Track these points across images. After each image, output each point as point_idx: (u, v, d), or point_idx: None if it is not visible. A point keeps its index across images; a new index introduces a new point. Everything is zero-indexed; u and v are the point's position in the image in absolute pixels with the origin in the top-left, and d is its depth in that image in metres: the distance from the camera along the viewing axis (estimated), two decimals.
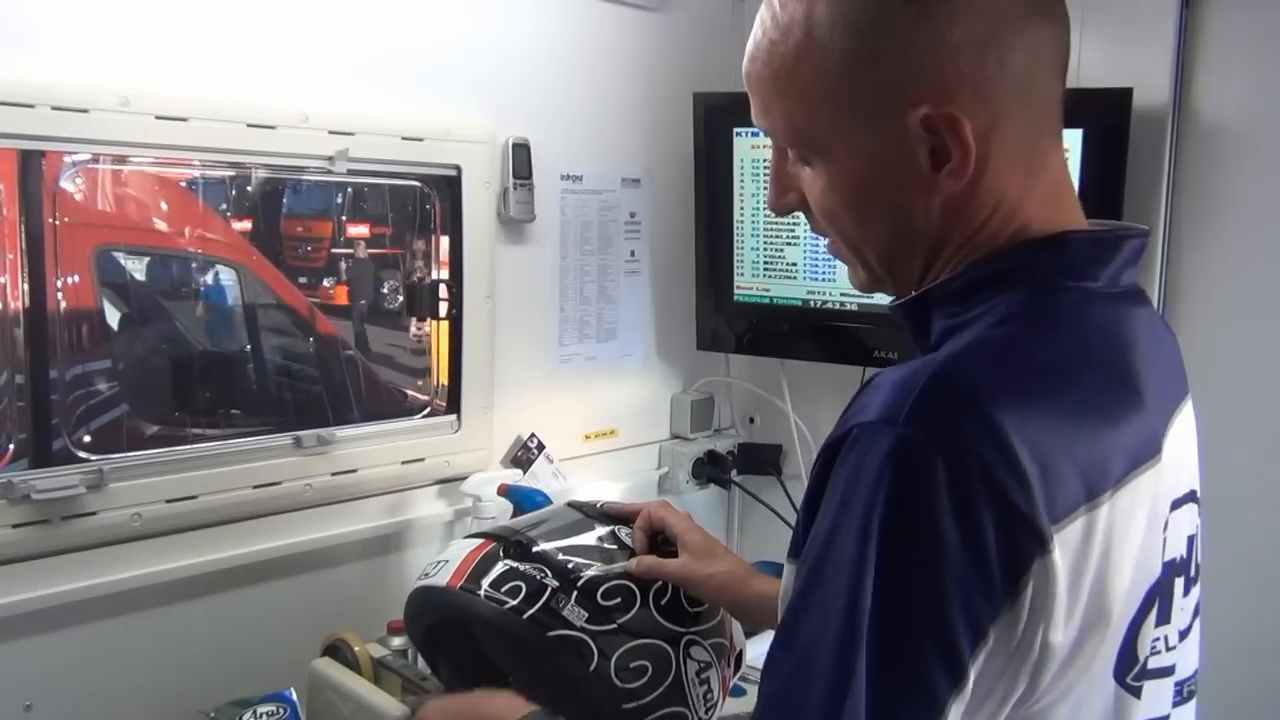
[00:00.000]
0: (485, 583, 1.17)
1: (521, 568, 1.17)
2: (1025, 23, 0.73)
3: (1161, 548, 0.76)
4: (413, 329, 2.08)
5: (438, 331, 1.87)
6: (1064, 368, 0.73)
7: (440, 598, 1.19)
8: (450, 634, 1.24)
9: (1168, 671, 0.80)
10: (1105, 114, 1.72)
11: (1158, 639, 0.79)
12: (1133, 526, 0.71)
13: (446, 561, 1.22)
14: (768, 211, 2.01)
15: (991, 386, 0.68)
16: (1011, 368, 0.71)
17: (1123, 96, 1.71)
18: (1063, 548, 0.66)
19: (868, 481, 0.66)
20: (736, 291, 2.11)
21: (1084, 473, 0.68)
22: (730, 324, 2.16)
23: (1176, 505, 0.79)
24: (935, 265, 0.80)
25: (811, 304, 2.03)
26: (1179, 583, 0.81)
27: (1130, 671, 0.74)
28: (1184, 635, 0.83)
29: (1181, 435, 0.81)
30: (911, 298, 0.81)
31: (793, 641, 0.69)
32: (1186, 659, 0.83)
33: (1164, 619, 0.79)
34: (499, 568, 1.18)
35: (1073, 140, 1.73)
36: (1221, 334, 1.76)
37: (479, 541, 1.23)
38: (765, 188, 1.99)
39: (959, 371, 0.70)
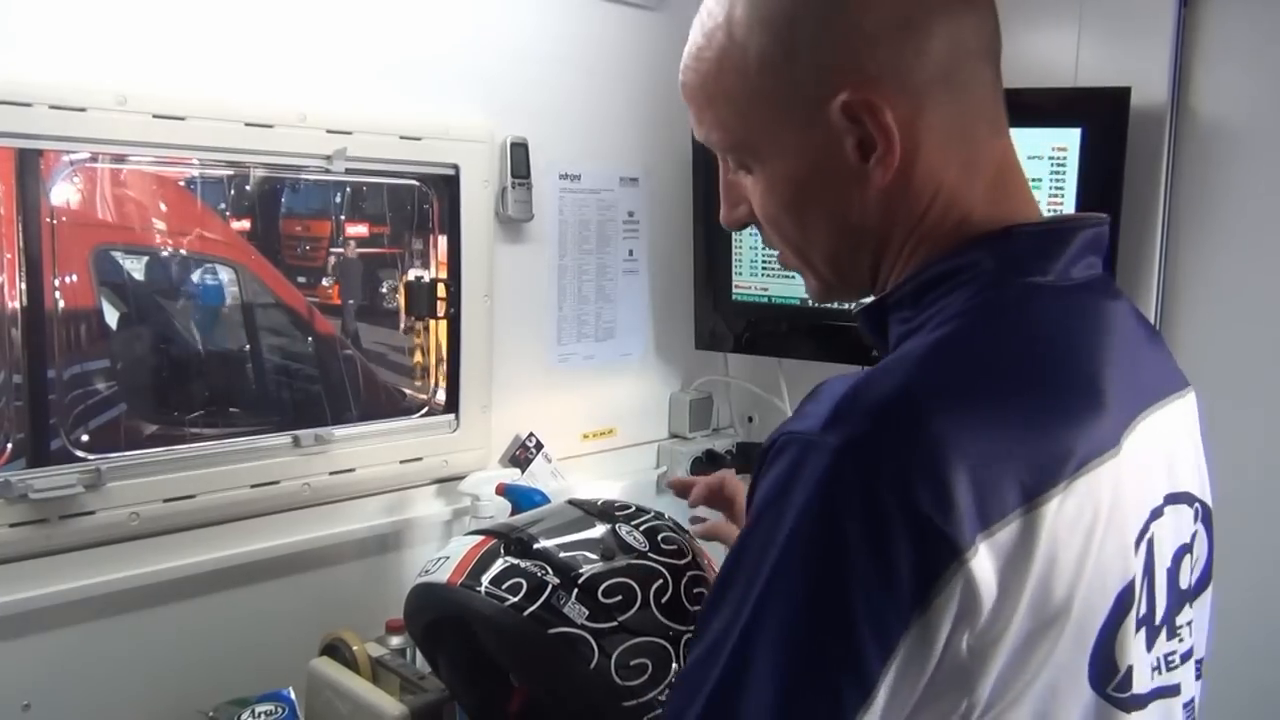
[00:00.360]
0: (485, 579, 1.16)
1: (522, 564, 1.17)
2: (942, 10, 0.73)
3: (1137, 549, 0.73)
4: (401, 326, 2.08)
5: (436, 331, 1.87)
6: (1004, 366, 0.71)
7: (440, 594, 1.19)
8: (450, 631, 1.24)
9: (1172, 691, 0.78)
10: (1104, 113, 1.73)
11: (1171, 654, 0.76)
12: (1083, 524, 0.68)
13: (447, 558, 1.22)
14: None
15: (920, 393, 0.67)
16: (946, 371, 0.69)
17: (1121, 96, 1.72)
18: (992, 553, 0.64)
19: (785, 489, 0.66)
20: (735, 291, 2.11)
21: (1022, 474, 0.66)
22: (728, 323, 2.16)
23: (1158, 511, 0.76)
24: (883, 264, 0.79)
25: (809, 303, 2.03)
26: (1176, 594, 0.79)
27: (1110, 681, 0.71)
28: (1186, 657, 0.80)
29: (1161, 432, 0.78)
30: (870, 305, 0.81)
31: (704, 633, 0.69)
32: (1189, 680, 0.81)
33: (1172, 634, 0.77)
34: (499, 564, 1.18)
35: (1071, 139, 1.73)
36: (1219, 332, 1.76)
37: (479, 538, 1.23)
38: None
39: (887, 380, 0.69)
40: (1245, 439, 1.68)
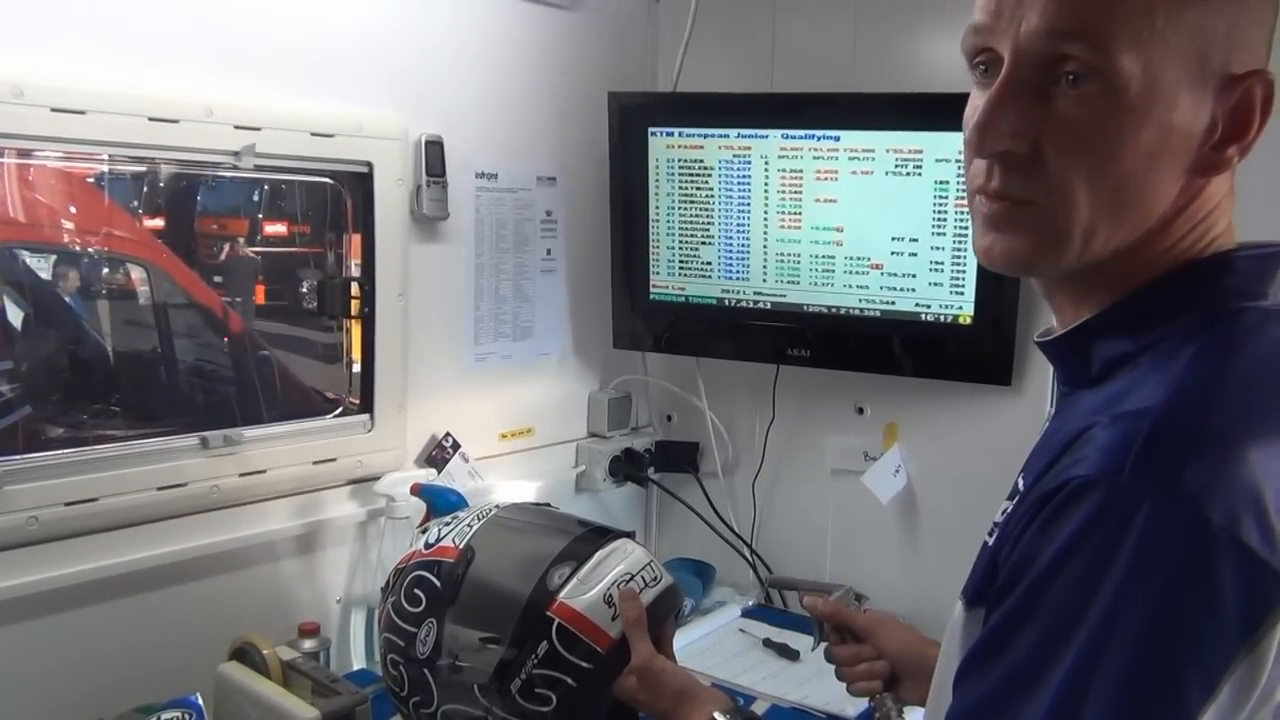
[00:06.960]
0: None
1: None
2: None
3: None
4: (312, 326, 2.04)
5: (350, 330, 1.85)
6: (1271, 392, 0.70)
7: None
8: None
9: None
10: None
11: None
12: None
13: None
14: (683, 211, 2.03)
15: (1222, 425, 0.67)
16: (1234, 400, 0.69)
17: None
18: None
19: (1093, 535, 0.65)
20: (653, 290, 2.12)
21: None
22: (647, 322, 2.17)
23: None
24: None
25: (726, 302, 2.05)
26: None
27: None
28: None
29: None
30: (1070, 331, 0.80)
31: (987, 675, 0.69)
32: None
33: None
34: None
35: None
36: None
37: None
38: (680, 188, 2.01)
39: (1183, 415, 0.68)
40: None
